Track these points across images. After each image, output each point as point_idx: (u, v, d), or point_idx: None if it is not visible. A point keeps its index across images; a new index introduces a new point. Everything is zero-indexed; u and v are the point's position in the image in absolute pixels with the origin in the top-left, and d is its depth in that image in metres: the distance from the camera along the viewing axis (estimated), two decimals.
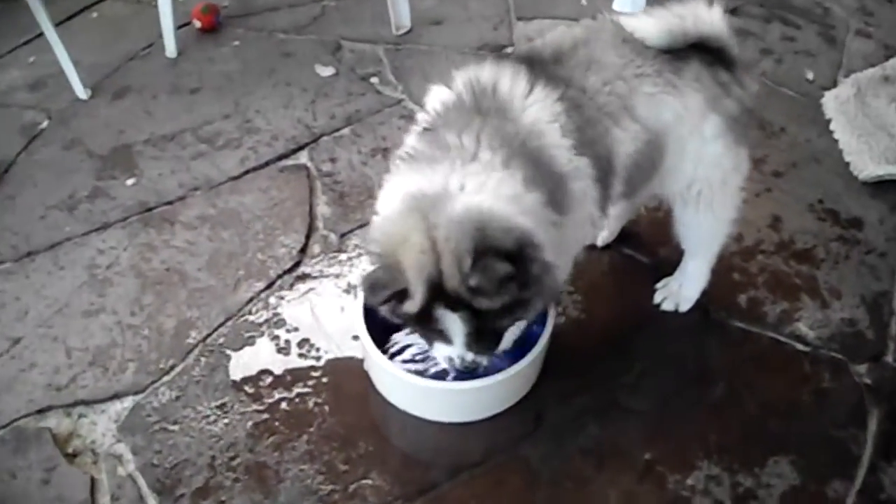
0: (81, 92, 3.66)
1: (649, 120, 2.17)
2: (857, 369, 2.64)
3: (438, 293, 1.92)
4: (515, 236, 1.88)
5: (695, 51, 2.21)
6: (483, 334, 2.03)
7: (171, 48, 3.91)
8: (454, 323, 1.98)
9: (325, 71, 3.81)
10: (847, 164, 3.34)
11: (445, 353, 2.12)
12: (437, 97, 2.13)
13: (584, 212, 2.16)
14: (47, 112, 3.61)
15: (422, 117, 2.14)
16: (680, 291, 2.75)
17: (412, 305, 1.95)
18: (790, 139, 3.48)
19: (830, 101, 3.60)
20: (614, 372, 2.60)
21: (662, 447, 2.42)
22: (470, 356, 2.09)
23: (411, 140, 2.11)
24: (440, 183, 1.94)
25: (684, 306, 2.76)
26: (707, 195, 2.41)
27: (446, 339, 2.05)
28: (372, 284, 1.96)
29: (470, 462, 2.38)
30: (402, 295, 1.94)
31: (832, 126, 3.50)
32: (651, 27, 2.18)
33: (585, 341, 2.67)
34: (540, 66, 2.12)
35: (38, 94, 3.72)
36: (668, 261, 2.83)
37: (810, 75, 3.84)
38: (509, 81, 2.07)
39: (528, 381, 2.50)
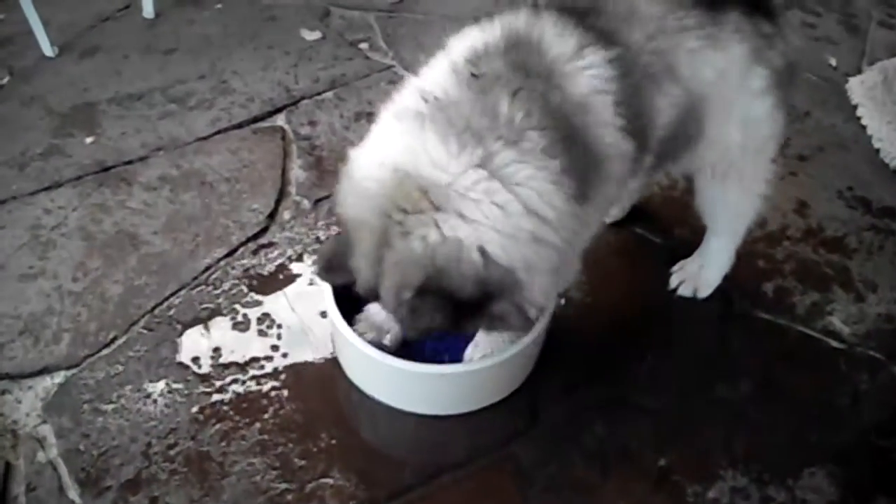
0: (48, 49, 3.24)
1: (691, 81, 1.75)
2: None
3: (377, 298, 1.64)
4: (483, 283, 1.51)
5: (732, 1, 1.82)
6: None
7: (148, 9, 3.47)
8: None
9: (311, 35, 3.38)
10: (876, 151, 2.94)
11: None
12: (474, 38, 1.65)
13: (609, 194, 1.74)
14: (10, 69, 3.18)
15: (458, 54, 1.63)
16: (700, 274, 2.32)
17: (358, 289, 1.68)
18: (815, 123, 3.06)
19: (856, 87, 3.20)
20: (623, 363, 2.17)
21: (679, 452, 1.99)
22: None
23: (444, 79, 1.60)
24: (448, 173, 1.49)
25: (704, 291, 2.33)
26: (738, 164, 2.02)
27: None
28: (325, 264, 1.74)
29: (451, 462, 1.94)
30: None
31: (859, 112, 3.10)
32: None
33: (590, 327, 2.23)
34: (580, 18, 1.66)
35: (3, 51, 3.28)
36: (684, 242, 2.43)
37: (833, 61, 3.43)
38: (555, 38, 1.61)
39: (522, 370, 2.06)
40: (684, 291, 2.33)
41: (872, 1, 3.91)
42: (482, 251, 1.47)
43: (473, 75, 1.57)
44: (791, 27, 1.95)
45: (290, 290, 2.29)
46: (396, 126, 1.59)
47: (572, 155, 1.53)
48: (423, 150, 1.50)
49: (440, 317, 1.51)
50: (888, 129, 2.96)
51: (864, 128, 3.03)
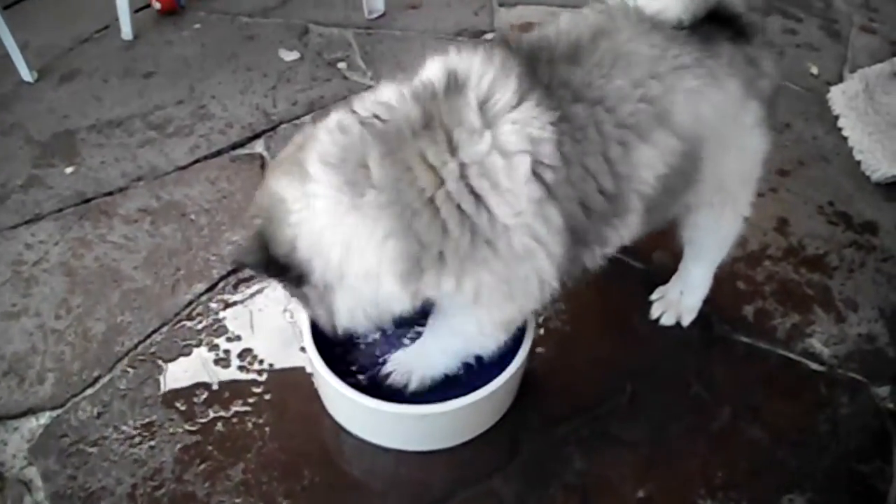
0: (27, 74, 3.26)
1: (687, 124, 1.71)
2: (878, 392, 2.24)
3: None
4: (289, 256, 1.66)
5: (717, 28, 1.79)
6: None
7: (126, 30, 3.49)
8: None
9: (290, 55, 3.41)
10: (858, 163, 2.96)
11: None
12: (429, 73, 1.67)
13: (522, 271, 1.68)
14: None
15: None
16: (681, 301, 2.35)
17: None
18: (796, 136, 3.08)
19: (838, 97, 3.22)
20: (602, 394, 2.19)
21: (659, 483, 2.01)
22: None
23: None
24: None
25: (687, 318, 2.35)
26: (732, 193, 2.03)
27: None
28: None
29: (433, 498, 1.97)
30: None
31: (840, 123, 3.12)
32: None
33: (569, 358, 2.25)
34: (547, 67, 1.65)
35: None
36: (664, 266, 2.44)
37: (814, 70, 3.45)
38: (490, 85, 1.59)
39: (502, 405, 2.08)
40: (667, 321, 2.35)
41: (853, 5, 3.93)
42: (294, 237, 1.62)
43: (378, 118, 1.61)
44: (769, 46, 1.95)
45: (270, 325, 2.32)
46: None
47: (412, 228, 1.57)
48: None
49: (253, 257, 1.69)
50: (869, 141, 2.97)
51: (845, 139, 3.05)
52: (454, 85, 1.59)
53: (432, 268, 1.60)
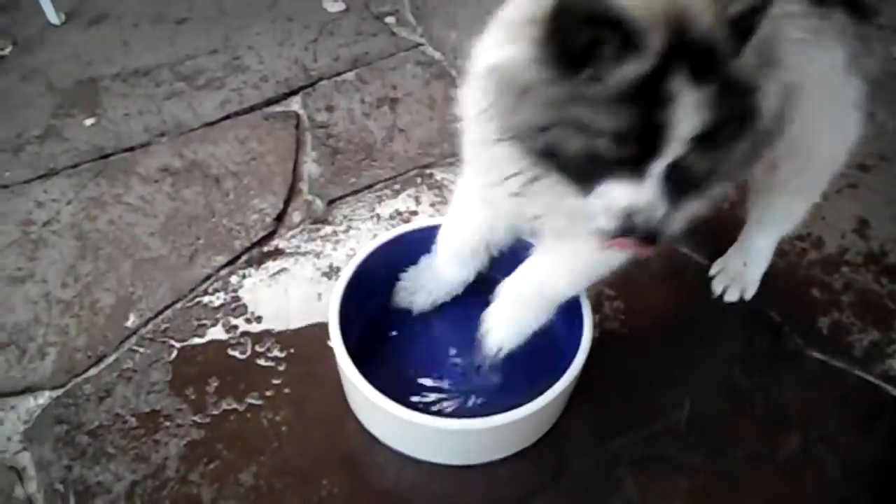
0: (53, 16, 3.08)
1: (793, 69, 1.40)
2: None
3: (679, 45, 1.17)
4: None
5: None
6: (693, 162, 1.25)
7: None
8: (685, 110, 1.18)
9: (334, 6, 3.18)
10: None
11: (615, 200, 1.30)
12: None
13: None
14: (13, 38, 3.02)
15: None
16: (745, 273, 2.16)
17: (637, 66, 1.18)
18: (878, 127, 2.75)
19: None
20: (659, 409, 1.95)
21: None
22: (658, 206, 1.29)
23: None
24: None
25: (751, 291, 2.19)
26: (814, 176, 1.86)
27: (633, 164, 1.26)
28: (566, 7, 1.17)
29: None
30: (620, 45, 1.17)
31: None
32: None
33: (624, 363, 2.01)
34: None
35: (6, 18, 3.13)
36: None
37: None
38: None
39: (548, 421, 1.85)
40: (731, 296, 2.18)
41: None
42: None
43: None
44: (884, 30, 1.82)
45: (295, 307, 2.11)
46: None
47: None
48: None
49: None
50: None
51: None
52: None
53: None
